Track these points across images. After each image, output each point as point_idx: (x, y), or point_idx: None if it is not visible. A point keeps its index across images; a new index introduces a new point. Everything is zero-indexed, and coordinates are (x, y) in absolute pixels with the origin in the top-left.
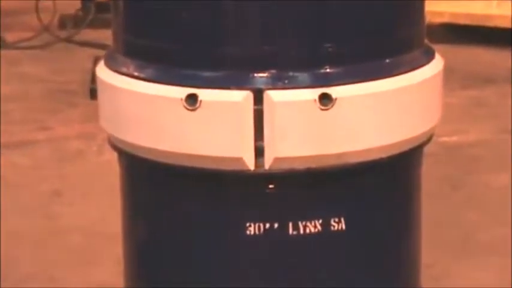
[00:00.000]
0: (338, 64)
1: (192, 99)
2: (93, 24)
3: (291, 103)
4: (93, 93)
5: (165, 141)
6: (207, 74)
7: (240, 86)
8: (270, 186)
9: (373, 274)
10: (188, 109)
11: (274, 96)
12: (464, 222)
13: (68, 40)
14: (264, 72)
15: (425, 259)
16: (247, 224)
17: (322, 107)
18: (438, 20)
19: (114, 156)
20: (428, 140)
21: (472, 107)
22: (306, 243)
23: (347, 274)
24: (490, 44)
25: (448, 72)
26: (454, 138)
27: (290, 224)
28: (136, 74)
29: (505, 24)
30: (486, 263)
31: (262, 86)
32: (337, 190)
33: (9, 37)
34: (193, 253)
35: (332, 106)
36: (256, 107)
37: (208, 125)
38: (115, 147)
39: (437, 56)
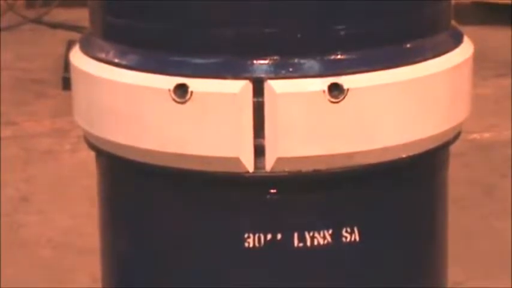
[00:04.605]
0: (350, 49)
1: (181, 90)
2: (67, 3)
3: (295, 95)
4: (66, 83)
5: (150, 139)
6: (198, 60)
7: (236, 75)
8: (272, 191)
9: None
10: (177, 101)
11: (276, 87)
12: (499, 233)
13: (37, 21)
14: (264, 59)
15: (454, 276)
16: (246, 235)
17: (332, 99)
18: None
19: (90, 156)
20: (456, 137)
21: (507, 99)
22: (314, 256)
23: None
24: None
25: (479, 58)
26: (486, 136)
27: (295, 235)
28: (116, 60)
29: None
30: None
31: (262, 75)
32: (349, 196)
33: None
34: (183, 269)
35: (343, 98)
36: (255, 99)
37: (200, 120)
38: (92, 146)
39: (466, 40)
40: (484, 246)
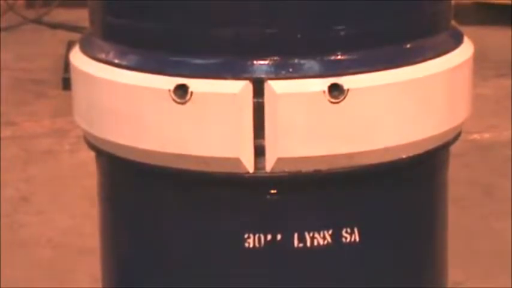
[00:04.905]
0: (351, 50)
1: (181, 90)
2: (67, 3)
3: (296, 95)
4: (66, 83)
5: (150, 139)
6: (198, 61)
7: (237, 75)
8: (272, 191)
9: None
10: (177, 102)
11: (276, 87)
12: (498, 233)
13: (37, 21)
14: (264, 59)
15: (454, 276)
16: (246, 235)
17: (332, 100)
18: None
19: (90, 156)
20: (456, 137)
21: (508, 99)
22: (314, 257)
23: None
24: None
25: (480, 58)
26: (487, 136)
27: (295, 235)
28: (116, 61)
29: None
30: None
31: (262, 75)
32: (349, 196)
33: None
34: (183, 269)
35: (343, 98)
36: (255, 99)
37: (200, 120)
38: (92, 146)
39: (467, 40)
40: (484, 247)
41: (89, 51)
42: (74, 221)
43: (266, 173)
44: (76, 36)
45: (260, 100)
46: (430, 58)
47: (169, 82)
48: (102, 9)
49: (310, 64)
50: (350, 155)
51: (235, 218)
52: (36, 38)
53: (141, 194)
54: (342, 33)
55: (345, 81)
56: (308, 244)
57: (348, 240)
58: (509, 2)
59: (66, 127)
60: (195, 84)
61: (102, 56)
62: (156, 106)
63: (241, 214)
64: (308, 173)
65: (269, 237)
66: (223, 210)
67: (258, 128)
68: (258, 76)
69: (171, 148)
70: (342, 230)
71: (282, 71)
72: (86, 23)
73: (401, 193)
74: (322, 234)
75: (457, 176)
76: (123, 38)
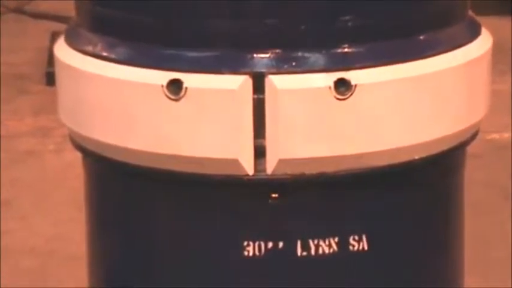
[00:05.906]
0: (358, 42)
1: (175, 86)
2: None
3: (299, 91)
4: (50, 78)
5: (141, 138)
6: (193, 54)
7: (235, 70)
8: (273, 195)
9: None
10: (170, 98)
11: (278, 83)
12: None
13: (19, 11)
14: (265, 52)
15: (469, 284)
16: (245, 243)
17: (339, 96)
18: None
19: (76, 157)
20: (473, 137)
21: None
22: (319, 266)
23: None
24: None
25: (497, 51)
26: (506, 136)
27: (298, 243)
28: (105, 54)
29: None
30: None
31: (263, 70)
32: (357, 201)
33: None
34: (178, 278)
35: (351, 95)
36: (256, 95)
37: (195, 118)
38: (78, 146)
39: (485, 32)
40: (502, 253)
41: (74, 43)
42: (59, 226)
43: (267, 175)
44: (60, 26)
45: (260, 96)
46: (445, 51)
47: (162, 77)
48: None
49: (315, 57)
50: (358, 156)
51: (234, 225)
52: (18, 28)
53: (131, 198)
54: (349, 24)
55: (353, 76)
56: (312, 252)
57: (356, 248)
58: None
59: (50, 125)
60: (189, 79)
61: (90, 48)
62: (147, 103)
63: (240, 220)
64: (312, 176)
65: (270, 245)
66: (220, 216)
67: (258, 127)
68: (258, 70)
69: (164, 148)
70: (349, 237)
71: (284, 65)
72: (71, 13)
73: (414, 197)
74: (327, 242)
75: (473, 179)
76: (112, 29)
